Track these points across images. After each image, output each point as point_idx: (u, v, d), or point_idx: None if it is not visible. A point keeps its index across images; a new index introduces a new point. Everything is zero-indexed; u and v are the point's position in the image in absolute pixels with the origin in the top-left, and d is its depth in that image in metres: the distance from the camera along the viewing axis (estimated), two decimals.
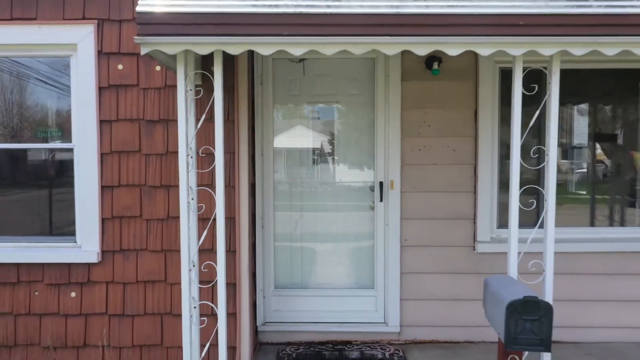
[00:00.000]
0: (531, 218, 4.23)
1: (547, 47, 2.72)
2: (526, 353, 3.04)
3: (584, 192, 4.54)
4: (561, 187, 4.54)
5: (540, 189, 3.09)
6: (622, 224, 4.47)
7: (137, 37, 2.68)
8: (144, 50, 2.72)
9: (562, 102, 4.49)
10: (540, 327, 2.39)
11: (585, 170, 4.57)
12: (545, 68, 2.97)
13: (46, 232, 3.92)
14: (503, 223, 4.26)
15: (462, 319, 4.24)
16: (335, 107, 4.44)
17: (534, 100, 3.37)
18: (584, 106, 4.54)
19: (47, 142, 3.90)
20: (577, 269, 4.27)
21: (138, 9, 2.69)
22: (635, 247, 4.24)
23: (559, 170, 4.44)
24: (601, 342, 4.26)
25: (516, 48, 2.73)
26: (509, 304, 2.41)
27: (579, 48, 2.72)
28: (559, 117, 4.37)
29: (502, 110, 4.21)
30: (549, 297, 2.95)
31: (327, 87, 4.38)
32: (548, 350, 2.39)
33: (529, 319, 2.40)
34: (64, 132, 3.87)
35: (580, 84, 4.40)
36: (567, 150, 4.63)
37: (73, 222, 3.83)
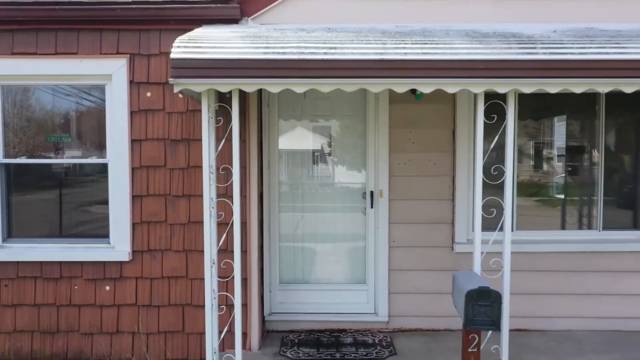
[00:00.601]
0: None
1: (502, 87, 3.37)
2: (489, 334, 3.69)
3: (554, 198, 5.19)
4: (532, 193, 5.18)
5: (500, 200, 3.73)
6: (581, 227, 5.11)
7: (171, 78, 3.32)
8: (176, 89, 3.36)
9: (538, 117, 5.15)
10: (491, 310, 3.04)
11: (553, 178, 5.21)
12: (504, 102, 3.61)
13: (86, 233, 4.56)
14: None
15: (443, 310, 4.88)
16: (332, 126, 5.09)
17: (502, 122, 4.01)
18: (556, 121, 5.19)
19: (85, 157, 4.55)
20: (543, 267, 4.91)
21: (172, 55, 3.34)
22: (593, 247, 4.88)
23: (532, 179, 5.10)
24: (563, 330, 4.90)
25: (477, 87, 3.37)
26: (467, 293, 3.05)
27: (528, 87, 3.37)
28: (543, 128, 5.04)
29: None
30: (506, 288, 3.58)
31: (325, 109, 5.02)
32: (498, 329, 3.03)
33: (483, 305, 3.05)
34: (101, 148, 4.51)
35: (553, 102, 5.04)
36: (537, 160, 5.28)
37: (107, 226, 4.48)
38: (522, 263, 4.86)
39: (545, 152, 5.27)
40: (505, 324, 3.56)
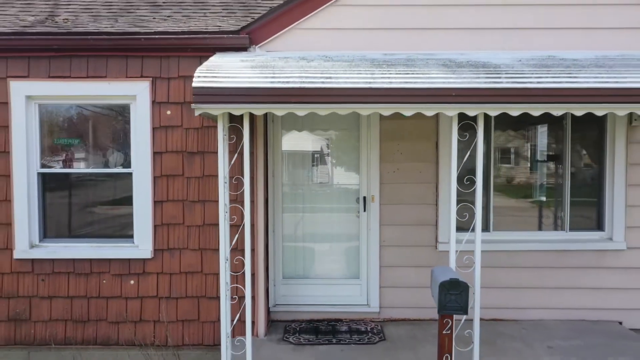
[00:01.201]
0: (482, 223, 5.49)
1: (471, 111, 3.99)
2: (462, 320, 4.31)
3: (527, 202, 5.81)
4: (508, 197, 5.80)
5: (471, 205, 4.34)
6: (552, 228, 5.73)
7: (193, 104, 3.94)
8: (197, 112, 3.98)
9: (517, 128, 5.77)
10: (460, 298, 3.65)
11: (528, 183, 5.83)
12: (475, 122, 4.23)
13: (112, 234, 5.19)
14: (458, 227, 5.51)
15: (428, 302, 5.49)
16: (329, 138, 5.72)
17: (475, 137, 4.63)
18: (531, 133, 5.82)
19: (111, 167, 5.17)
20: (518, 264, 5.53)
21: (193, 84, 3.96)
22: (561, 246, 5.50)
23: (508, 184, 5.71)
24: (535, 319, 5.53)
25: (450, 111, 3.99)
26: (440, 283, 3.66)
27: (493, 111, 3.99)
28: (519, 139, 5.65)
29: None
30: (477, 281, 4.21)
31: (324, 123, 5.65)
32: (465, 313, 3.64)
33: (453, 293, 3.66)
34: (126, 159, 5.14)
35: (527, 117, 5.66)
36: (514, 167, 5.91)
37: (132, 228, 5.10)
38: (499, 260, 5.49)
39: (521, 160, 5.90)
40: (477, 311, 4.19)
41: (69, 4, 6.43)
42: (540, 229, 5.76)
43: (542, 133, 5.83)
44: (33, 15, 6.03)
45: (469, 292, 3.72)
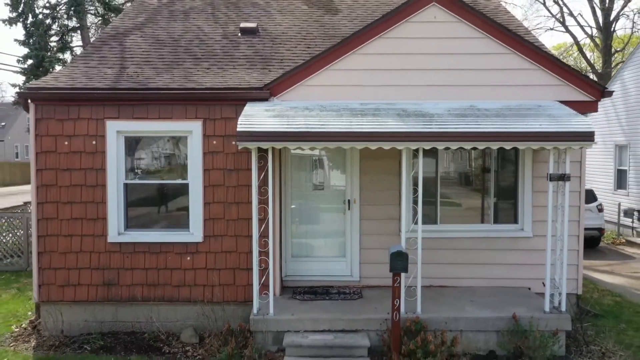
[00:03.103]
0: (432, 219, 7.82)
1: (413, 146, 6.31)
2: (410, 280, 6.62)
3: (464, 203, 8.13)
4: (451, 198, 8.11)
5: (415, 206, 6.63)
6: (481, 221, 8.06)
7: (237, 141, 6.25)
8: (240, 147, 6.29)
9: (460, 150, 8.07)
10: (403, 262, 5.97)
11: (465, 189, 8.16)
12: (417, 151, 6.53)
13: (174, 225, 7.49)
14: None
15: None
16: (324, 158, 8.04)
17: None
18: (468, 154, 8.14)
19: (174, 179, 7.48)
20: (457, 247, 7.83)
21: (238, 129, 6.26)
22: (488, 234, 7.82)
23: (451, 189, 8.00)
24: (468, 286, 7.83)
25: (400, 146, 6.30)
26: (391, 253, 5.98)
27: (427, 145, 6.30)
28: (468, 157, 7.88)
29: (414, 161, 7.78)
30: (419, 255, 6.52)
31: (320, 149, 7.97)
32: (406, 272, 5.97)
33: (399, 259, 5.99)
34: (184, 173, 7.45)
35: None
36: (457, 178, 8.23)
37: (188, 221, 7.40)
38: (444, 244, 7.80)
39: (461, 173, 8.23)
40: (419, 274, 6.51)
41: (133, 57, 8.76)
42: (474, 222, 8.08)
43: (477, 155, 8.16)
44: (109, 68, 8.35)
45: (408, 259, 6.06)
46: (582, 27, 30.45)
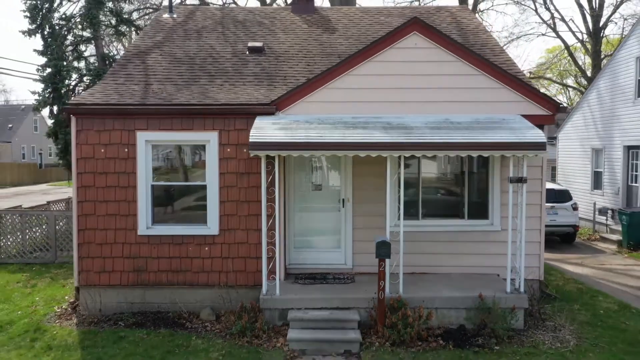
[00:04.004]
0: (414, 214, 9.10)
1: (396, 153, 7.59)
2: (393, 266, 7.91)
3: (443, 200, 9.42)
4: (432, 197, 9.40)
5: (399, 204, 7.90)
6: (460, 217, 9.35)
7: (250, 150, 7.54)
8: (251, 154, 7.58)
9: (440, 156, 9.37)
10: (386, 250, 7.26)
11: (441, 189, 9.45)
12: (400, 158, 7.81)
13: (194, 220, 8.77)
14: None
15: None
16: (322, 162, 9.33)
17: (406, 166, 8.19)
18: (447, 158, 9.43)
19: (194, 181, 8.77)
20: (437, 239, 9.12)
21: (250, 140, 7.55)
22: (463, 228, 9.11)
23: (431, 189, 9.29)
24: (445, 272, 9.11)
25: (385, 154, 7.58)
26: (376, 242, 7.27)
27: (407, 153, 7.58)
28: (448, 161, 9.15)
29: (398, 170, 9.06)
30: (402, 244, 7.80)
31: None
32: (389, 257, 7.26)
33: (383, 247, 7.28)
34: (203, 176, 8.73)
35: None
36: (436, 179, 9.52)
37: (206, 217, 8.68)
38: (425, 236, 9.08)
39: (441, 176, 9.52)
40: (401, 261, 7.79)
41: (155, 74, 10.06)
42: (451, 217, 9.38)
43: (454, 160, 9.45)
44: (136, 84, 9.64)
45: (392, 249, 7.36)
46: (573, 32, 31.41)
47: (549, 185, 16.15)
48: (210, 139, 8.58)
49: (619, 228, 14.81)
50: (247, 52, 10.95)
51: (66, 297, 9.70)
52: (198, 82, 9.72)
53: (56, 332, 8.03)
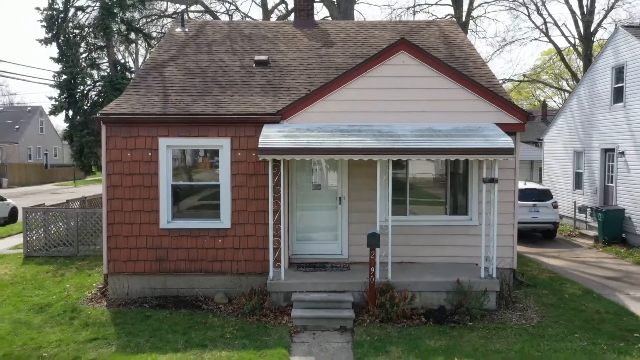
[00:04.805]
0: (402, 211, 10.31)
1: (384, 157, 8.81)
2: (382, 256, 9.13)
3: (430, 199, 10.65)
4: (420, 197, 10.62)
5: (387, 202, 9.11)
6: (443, 213, 10.57)
7: (259, 155, 8.76)
8: (260, 158, 8.80)
9: (426, 160, 10.60)
10: (376, 240, 8.48)
11: (432, 189, 10.67)
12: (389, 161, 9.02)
13: (209, 216, 10.00)
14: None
15: None
16: (321, 165, 10.56)
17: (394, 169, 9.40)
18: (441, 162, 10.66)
19: (208, 181, 9.99)
20: (422, 232, 10.34)
21: (259, 146, 8.77)
22: (445, 223, 10.34)
23: (419, 190, 10.52)
24: (430, 262, 10.33)
25: (375, 158, 8.80)
26: (368, 234, 8.48)
27: (394, 157, 8.80)
28: (432, 164, 10.39)
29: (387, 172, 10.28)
30: (390, 236, 9.01)
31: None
32: (378, 247, 8.47)
33: (373, 238, 8.50)
34: (217, 176, 9.95)
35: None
36: (424, 181, 10.74)
37: (219, 213, 9.90)
38: (412, 230, 10.30)
39: (426, 176, 10.75)
40: (389, 251, 9.01)
41: (172, 86, 11.28)
42: (435, 213, 10.60)
43: (438, 162, 10.67)
44: (156, 95, 10.87)
45: (381, 240, 8.59)
46: (566, 37, 32.81)
47: (532, 185, 17.42)
48: (223, 144, 9.80)
49: (596, 225, 16.03)
50: (254, 65, 12.16)
51: (94, 284, 10.92)
52: (211, 94, 10.94)
53: (90, 312, 9.24)
